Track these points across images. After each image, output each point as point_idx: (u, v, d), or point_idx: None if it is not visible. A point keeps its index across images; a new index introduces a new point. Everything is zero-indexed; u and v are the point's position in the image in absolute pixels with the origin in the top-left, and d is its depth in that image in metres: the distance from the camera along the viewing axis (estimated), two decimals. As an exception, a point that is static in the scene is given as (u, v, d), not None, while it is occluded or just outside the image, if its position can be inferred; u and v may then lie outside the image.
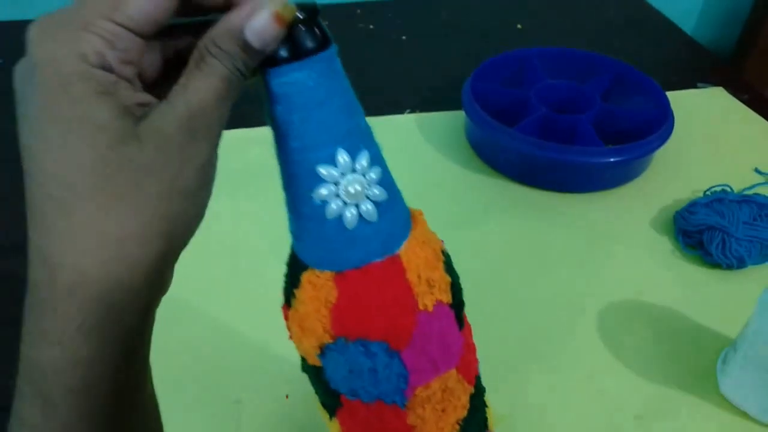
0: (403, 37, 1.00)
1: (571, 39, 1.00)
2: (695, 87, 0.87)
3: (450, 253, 0.30)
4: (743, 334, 0.47)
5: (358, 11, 1.05)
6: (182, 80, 0.22)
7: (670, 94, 0.74)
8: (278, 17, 0.22)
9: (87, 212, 0.20)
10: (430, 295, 0.27)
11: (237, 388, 0.49)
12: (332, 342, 0.27)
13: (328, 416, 0.32)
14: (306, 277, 0.27)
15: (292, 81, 0.23)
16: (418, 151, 0.75)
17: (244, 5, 0.22)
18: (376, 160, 0.26)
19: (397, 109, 0.81)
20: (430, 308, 0.27)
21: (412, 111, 0.81)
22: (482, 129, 0.69)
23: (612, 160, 0.65)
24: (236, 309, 0.55)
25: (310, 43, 0.23)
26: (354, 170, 0.25)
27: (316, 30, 0.23)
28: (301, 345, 0.29)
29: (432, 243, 0.28)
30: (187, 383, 0.49)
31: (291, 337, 0.29)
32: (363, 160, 0.25)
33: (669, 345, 0.53)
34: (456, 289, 0.29)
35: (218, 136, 0.23)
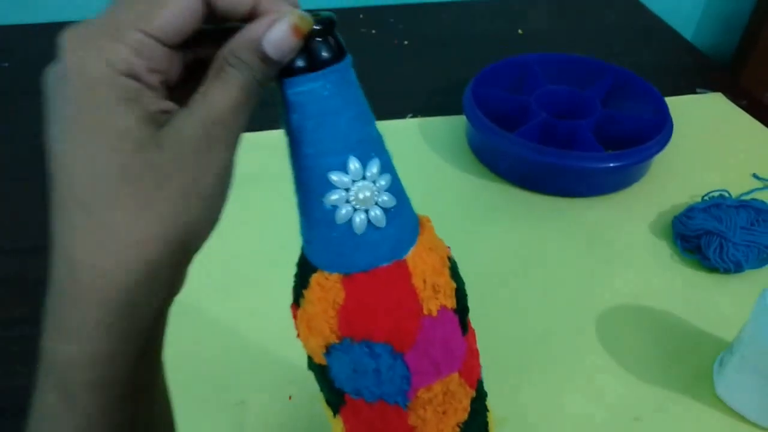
0: (405, 42, 1.01)
1: (571, 45, 1.01)
2: (695, 92, 0.88)
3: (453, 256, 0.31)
4: (740, 338, 0.47)
5: (361, 16, 1.06)
6: (202, 89, 0.23)
7: (669, 100, 0.75)
8: (296, 29, 0.23)
9: (109, 214, 0.21)
10: (435, 300, 0.28)
11: (241, 389, 0.49)
12: (338, 342, 0.28)
13: (332, 414, 0.32)
14: (315, 278, 0.28)
15: (308, 90, 0.24)
16: (420, 156, 0.75)
17: (264, 17, 0.23)
18: (386, 167, 0.26)
19: (398, 113, 0.82)
20: (435, 313, 0.28)
21: (414, 115, 0.82)
22: (483, 134, 0.70)
23: (611, 165, 0.66)
24: (241, 311, 0.56)
25: (325, 55, 0.24)
26: (364, 177, 0.25)
27: (332, 42, 0.24)
28: (308, 344, 0.29)
29: (439, 250, 0.29)
30: (193, 384, 0.49)
31: (299, 336, 0.30)
32: (373, 168, 0.26)
33: (667, 348, 0.53)
34: (461, 295, 0.30)
35: (236, 143, 0.24)
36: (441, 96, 0.86)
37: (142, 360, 0.24)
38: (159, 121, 0.22)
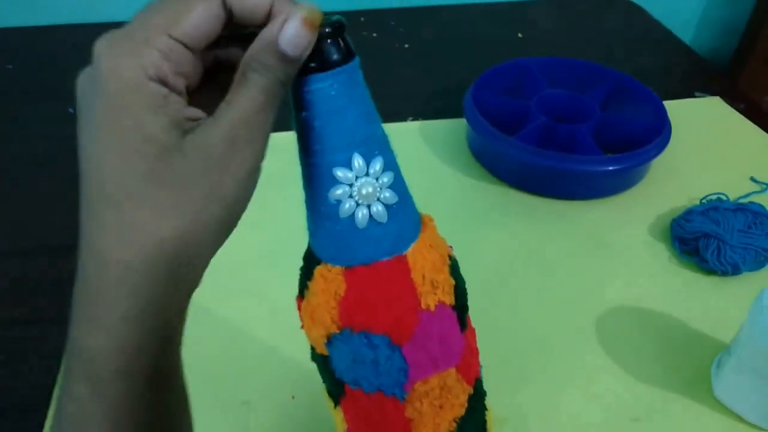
0: (406, 46, 1.01)
1: (571, 48, 1.01)
2: (693, 96, 0.89)
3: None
4: (737, 339, 0.48)
5: (362, 19, 1.07)
6: (228, 98, 0.24)
7: (668, 104, 0.76)
8: (306, 21, 0.24)
9: (136, 214, 0.22)
10: (434, 296, 0.29)
11: (245, 390, 0.50)
12: (339, 332, 0.29)
13: (333, 404, 0.33)
14: (319, 270, 0.29)
15: (316, 90, 0.25)
16: (420, 158, 0.76)
17: (276, 19, 0.24)
18: (390, 166, 0.27)
19: (399, 116, 0.82)
20: (433, 308, 0.29)
21: (415, 118, 0.83)
22: (483, 137, 0.71)
23: (610, 168, 0.66)
24: (246, 313, 0.56)
25: (334, 56, 0.25)
26: (368, 174, 0.27)
27: (341, 43, 0.25)
28: (311, 334, 0.30)
29: (439, 248, 0.30)
30: (198, 385, 0.49)
31: (302, 327, 0.31)
32: (377, 165, 0.27)
33: (665, 349, 0.54)
34: (460, 292, 0.31)
35: (261, 147, 0.25)
36: (441, 99, 0.86)
37: (165, 351, 0.25)
38: (184, 126, 0.23)
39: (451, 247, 0.32)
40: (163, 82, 0.23)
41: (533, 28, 1.08)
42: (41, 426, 0.48)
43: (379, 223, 0.27)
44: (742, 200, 0.67)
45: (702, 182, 0.71)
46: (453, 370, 0.31)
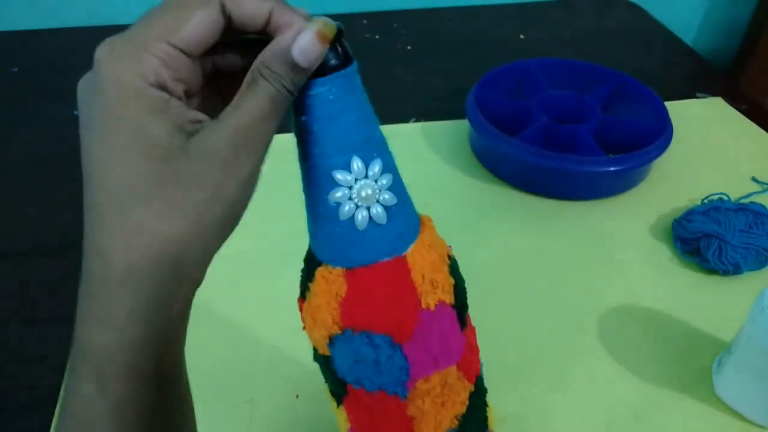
0: (408, 47, 1.02)
1: (572, 49, 1.02)
2: (695, 97, 0.89)
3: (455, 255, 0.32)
4: (738, 338, 0.48)
5: (365, 21, 1.07)
6: (234, 101, 0.24)
7: (670, 104, 0.76)
8: (321, 35, 0.24)
9: (140, 214, 0.23)
10: (433, 295, 0.29)
11: (249, 389, 0.50)
12: (340, 333, 0.29)
13: (336, 404, 0.34)
14: (320, 272, 0.29)
15: (315, 94, 0.26)
16: (423, 159, 0.76)
17: (290, 29, 0.24)
18: (389, 168, 0.28)
19: (402, 117, 0.83)
20: (432, 307, 0.29)
21: (417, 120, 0.83)
22: (485, 138, 0.71)
23: (612, 169, 0.67)
24: (249, 313, 0.57)
25: (333, 61, 0.26)
26: (366, 176, 0.27)
27: (339, 49, 0.26)
28: (313, 335, 0.31)
29: (438, 247, 0.30)
30: (202, 383, 0.50)
31: (304, 328, 0.31)
32: (375, 167, 0.27)
33: (667, 348, 0.54)
34: (459, 291, 0.31)
35: (264, 152, 0.25)
36: (444, 100, 0.87)
37: (168, 349, 0.26)
38: (187, 129, 0.24)
39: (450, 246, 0.32)
40: (163, 88, 0.23)
41: (535, 29, 1.08)
42: (47, 426, 0.49)
43: (379, 225, 0.28)
44: (743, 200, 0.68)
45: (703, 182, 0.72)
46: (454, 368, 0.31)
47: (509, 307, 0.58)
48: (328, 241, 0.29)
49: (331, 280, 0.29)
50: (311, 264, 0.30)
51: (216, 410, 0.49)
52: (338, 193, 0.27)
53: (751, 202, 0.63)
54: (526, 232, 0.66)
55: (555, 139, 0.72)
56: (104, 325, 0.24)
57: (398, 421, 0.31)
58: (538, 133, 0.72)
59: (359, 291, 0.28)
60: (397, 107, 0.84)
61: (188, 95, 0.25)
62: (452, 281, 0.30)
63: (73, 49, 0.97)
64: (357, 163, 0.27)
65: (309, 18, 0.25)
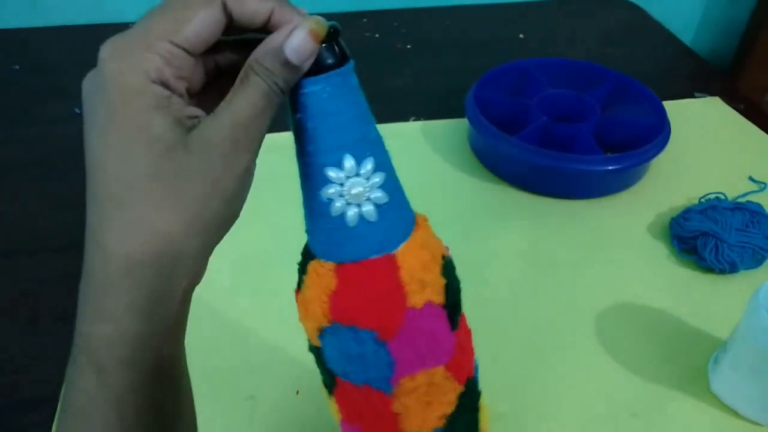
0: (408, 46, 1.02)
1: (571, 48, 1.02)
2: (693, 96, 0.89)
3: (452, 256, 0.32)
4: (733, 336, 0.49)
5: (365, 20, 1.08)
6: (228, 96, 0.25)
7: (668, 104, 0.77)
8: (313, 33, 0.25)
9: (140, 208, 0.23)
10: (421, 295, 0.29)
11: (250, 385, 0.51)
12: (329, 326, 0.30)
13: (328, 394, 0.34)
14: (312, 265, 0.30)
15: (310, 92, 0.26)
16: (422, 158, 0.77)
17: (284, 27, 0.25)
18: (382, 166, 0.28)
19: (402, 116, 0.83)
20: (419, 306, 0.29)
21: (417, 118, 0.84)
22: (485, 137, 0.71)
23: (610, 168, 0.67)
24: (251, 310, 0.57)
25: (328, 60, 0.26)
26: (358, 174, 0.27)
27: (336, 48, 0.26)
28: (306, 326, 0.31)
29: (432, 247, 0.31)
30: (203, 380, 0.50)
31: (300, 319, 0.32)
32: (368, 166, 0.28)
33: (663, 345, 0.55)
34: (451, 292, 0.31)
35: (258, 147, 0.26)
36: (443, 99, 0.87)
37: (168, 342, 0.26)
38: (187, 125, 0.24)
39: (447, 247, 0.32)
40: (165, 85, 0.24)
41: (534, 28, 1.09)
42: (48, 423, 0.49)
43: (369, 222, 0.28)
44: (740, 199, 0.68)
45: (701, 181, 0.72)
46: (441, 368, 0.31)
47: (507, 304, 0.58)
48: (321, 236, 0.29)
49: (322, 273, 0.29)
50: (306, 257, 0.31)
51: (217, 406, 0.49)
52: (330, 190, 0.27)
53: (748, 201, 0.64)
54: (525, 231, 0.67)
55: (554, 139, 0.73)
56: (104, 317, 0.24)
57: (383, 415, 0.32)
58: (537, 133, 0.72)
59: (347, 286, 0.29)
60: (396, 106, 0.85)
61: (190, 93, 0.26)
62: (443, 282, 0.30)
63: (74, 47, 0.97)
64: (349, 161, 0.27)
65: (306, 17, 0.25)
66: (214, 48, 0.26)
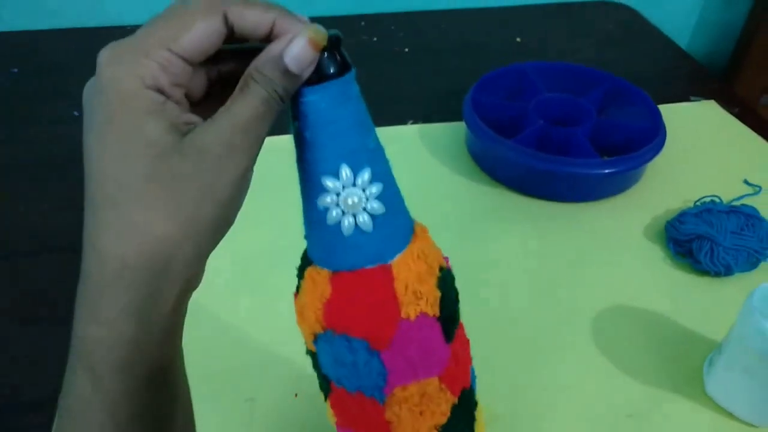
0: (406, 50, 1.03)
1: (568, 51, 1.03)
2: (689, 100, 0.90)
3: (449, 258, 0.33)
4: (728, 338, 0.49)
5: (362, 23, 1.08)
6: (227, 103, 0.25)
7: (664, 107, 0.77)
8: (313, 42, 0.25)
9: (134, 212, 0.24)
10: (415, 306, 0.29)
11: (250, 387, 0.51)
12: (323, 332, 0.30)
13: (324, 398, 0.35)
14: (308, 272, 0.30)
15: (309, 101, 0.26)
16: (420, 161, 0.77)
17: (284, 36, 0.25)
18: (380, 177, 0.28)
19: (399, 119, 0.84)
20: (413, 318, 0.29)
21: (415, 122, 0.84)
22: (482, 140, 0.72)
23: (606, 171, 0.68)
24: (250, 312, 0.58)
25: (328, 70, 0.26)
26: (354, 184, 0.27)
27: (337, 57, 0.26)
28: (302, 330, 0.32)
29: (429, 258, 0.31)
30: (203, 382, 0.51)
31: (297, 323, 0.32)
32: (365, 176, 0.28)
33: (659, 348, 0.55)
34: (447, 304, 0.31)
35: (255, 152, 0.26)
36: (441, 102, 0.88)
37: (162, 346, 0.26)
38: (182, 130, 0.24)
39: (447, 258, 0.32)
40: (161, 91, 0.24)
41: (531, 32, 1.09)
42: (47, 425, 0.49)
43: (365, 232, 0.28)
44: (735, 202, 0.69)
45: (696, 185, 0.73)
46: (435, 379, 0.31)
47: (504, 306, 0.59)
48: (318, 244, 0.29)
49: (318, 280, 0.29)
50: (303, 263, 0.31)
51: (217, 408, 0.50)
52: (326, 199, 0.27)
53: (743, 205, 0.64)
54: (522, 233, 0.67)
55: (550, 142, 0.73)
56: (98, 321, 0.25)
57: (376, 423, 0.32)
58: (534, 136, 0.73)
59: (341, 295, 0.29)
60: (394, 109, 0.85)
61: (191, 100, 0.26)
62: (438, 294, 0.30)
63: (74, 49, 0.98)
64: (345, 171, 0.27)
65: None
66: (216, 57, 0.26)
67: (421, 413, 0.32)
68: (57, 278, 0.61)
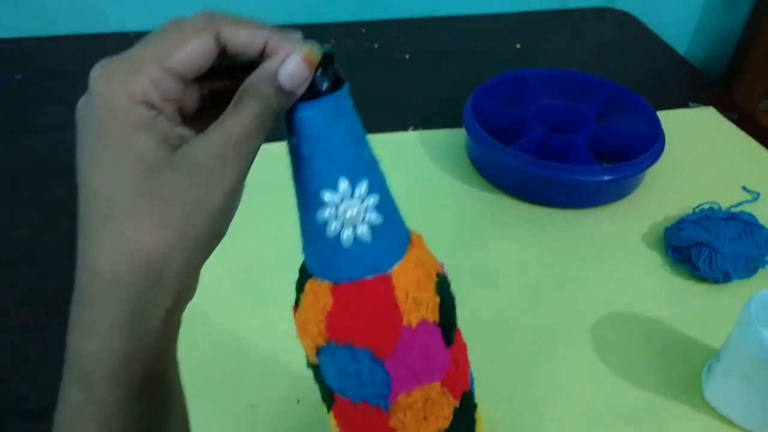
0: (407, 56, 1.03)
1: (567, 58, 1.03)
2: (687, 106, 0.90)
3: (448, 265, 0.33)
4: (726, 345, 0.49)
5: (363, 30, 1.08)
6: (221, 118, 0.25)
7: (662, 114, 0.78)
8: (307, 60, 0.25)
9: (124, 226, 0.24)
10: (416, 313, 0.30)
11: (252, 393, 0.52)
12: (326, 345, 0.30)
13: (326, 410, 0.35)
14: (309, 285, 0.30)
15: (304, 117, 0.27)
16: (420, 167, 0.78)
17: (279, 54, 0.25)
18: (376, 188, 0.29)
19: (400, 126, 0.84)
20: (414, 325, 0.30)
21: (415, 128, 0.84)
22: (482, 147, 0.72)
23: (606, 178, 0.68)
24: (252, 319, 0.58)
25: (321, 86, 0.27)
26: (352, 196, 0.28)
27: (330, 73, 0.27)
28: (303, 343, 0.32)
29: (426, 265, 0.31)
30: (205, 388, 0.51)
31: (297, 336, 0.32)
32: (362, 188, 0.28)
33: (658, 354, 0.55)
34: (446, 309, 0.32)
35: (247, 167, 0.26)
36: (441, 109, 0.88)
37: (154, 359, 0.26)
38: (174, 144, 0.25)
39: (442, 264, 0.33)
40: (152, 107, 0.24)
41: (531, 39, 1.10)
42: None
43: (364, 243, 0.28)
44: (733, 209, 0.69)
45: (695, 191, 0.73)
46: (437, 384, 0.32)
47: (504, 313, 0.59)
48: (317, 257, 0.30)
49: (319, 293, 0.30)
50: (303, 276, 0.31)
51: (219, 414, 0.50)
52: (325, 213, 0.28)
53: (741, 211, 0.65)
54: (521, 240, 0.67)
55: (550, 148, 0.74)
56: (90, 334, 0.25)
57: (381, 431, 0.32)
58: (534, 143, 0.73)
59: (343, 306, 0.29)
60: (395, 115, 0.85)
61: (183, 115, 0.26)
62: (437, 300, 0.31)
63: (76, 56, 0.98)
64: (343, 184, 0.28)
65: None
66: (209, 73, 0.26)
67: (425, 418, 0.32)
68: (58, 284, 0.61)
